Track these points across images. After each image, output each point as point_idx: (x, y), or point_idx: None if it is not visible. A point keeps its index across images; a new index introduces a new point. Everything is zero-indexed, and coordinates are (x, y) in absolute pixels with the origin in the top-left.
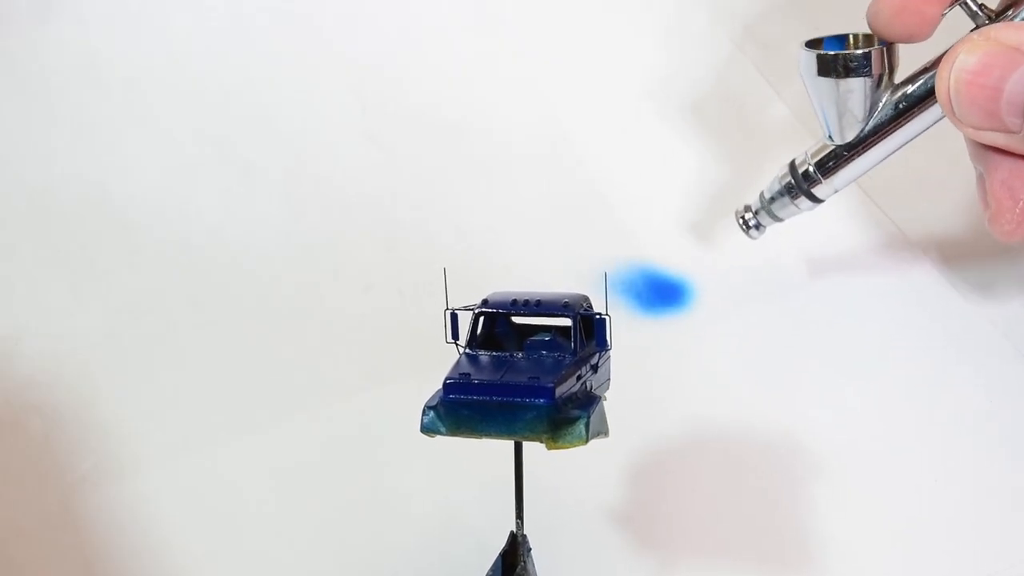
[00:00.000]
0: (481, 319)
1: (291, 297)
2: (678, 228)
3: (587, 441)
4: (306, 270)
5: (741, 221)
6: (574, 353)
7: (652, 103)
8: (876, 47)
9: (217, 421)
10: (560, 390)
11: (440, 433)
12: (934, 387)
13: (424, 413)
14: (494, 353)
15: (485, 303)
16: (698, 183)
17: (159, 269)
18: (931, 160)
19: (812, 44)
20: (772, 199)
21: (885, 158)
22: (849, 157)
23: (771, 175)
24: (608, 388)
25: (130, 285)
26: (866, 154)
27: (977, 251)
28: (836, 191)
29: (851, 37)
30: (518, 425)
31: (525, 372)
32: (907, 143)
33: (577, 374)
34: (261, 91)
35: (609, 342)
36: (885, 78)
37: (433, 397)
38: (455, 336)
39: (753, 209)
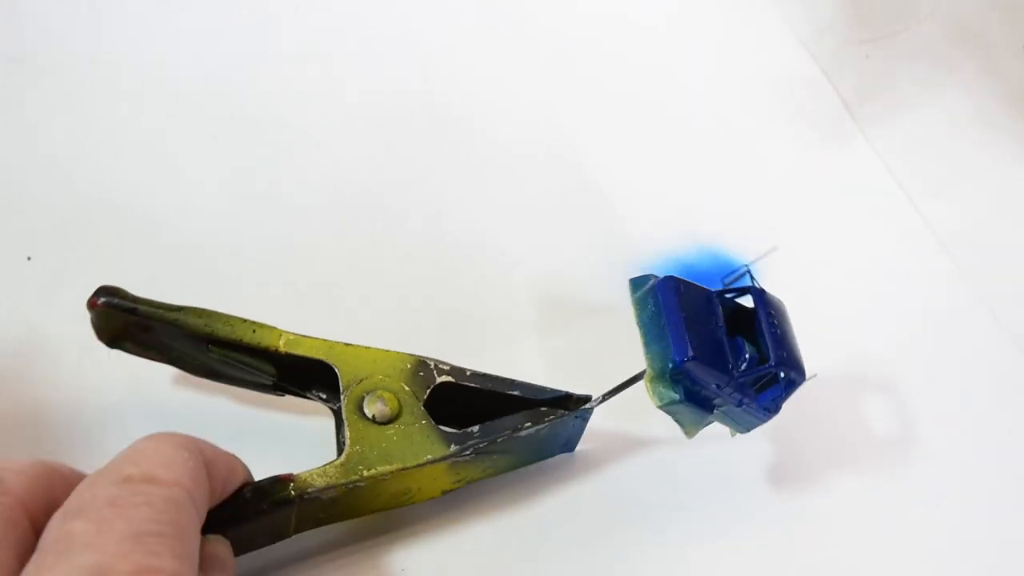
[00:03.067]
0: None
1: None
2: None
3: (660, 405)
4: (305, 275)
5: None
6: (744, 374)
7: (659, 102)
8: None
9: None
10: (695, 367)
11: (632, 294)
12: (952, 400)
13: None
14: (720, 324)
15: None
16: (706, 186)
17: (162, 268)
18: (966, 162)
19: None
20: None
21: None
22: None
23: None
24: (735, 434)
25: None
26: None
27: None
28: None
29: None
30: (655, 347)
31: (710, 340)
32: None
33: (720, 383)
34: (271, 93)
35: (772, 408)
36: None
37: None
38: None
39: None
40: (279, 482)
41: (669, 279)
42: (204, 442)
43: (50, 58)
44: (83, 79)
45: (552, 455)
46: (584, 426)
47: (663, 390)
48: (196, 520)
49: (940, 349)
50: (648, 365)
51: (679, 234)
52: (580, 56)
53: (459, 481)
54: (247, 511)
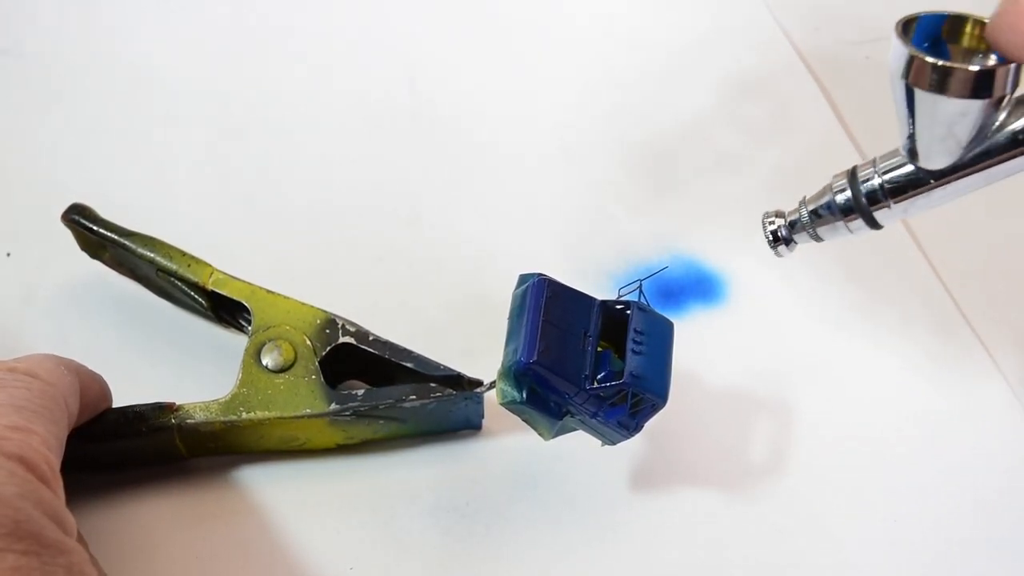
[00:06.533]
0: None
1: None
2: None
3: (502, 403)
4: (286, 276)
5: (770, 232)
6: (596, 387)
7: (645, 104)
8: (1004, 65)
9: None
10: (540, 371)
11: (515, 289)
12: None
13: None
14: (591, 334)
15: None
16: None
17: None
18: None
19: (909, 28)
20: (818, 214)
21: (980, 188)
22: (934, 185)
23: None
24: (604, 445)
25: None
26: (957, 183)
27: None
28: (905, 217)
29: (964, 24)
30: (510, 345)
31: (566, 347)
32: (1015, 173)
33: (569, 392)
34: (257, 94)
35: (629, 426)
36: (1007, 99)
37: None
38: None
39: (788, 220)
40: (161, 409)
41: (544, 281)
42: (81, 365)
43: (34, 50)
44: (68, 73)
45: (454, 429)
46: (480, 408)
47: (506, 388)
48: (65, 421)
49: None
50: (501, 362)
51: (659, 244)
52: (566, 58)
53: (351, 438)
54: (127, 431)
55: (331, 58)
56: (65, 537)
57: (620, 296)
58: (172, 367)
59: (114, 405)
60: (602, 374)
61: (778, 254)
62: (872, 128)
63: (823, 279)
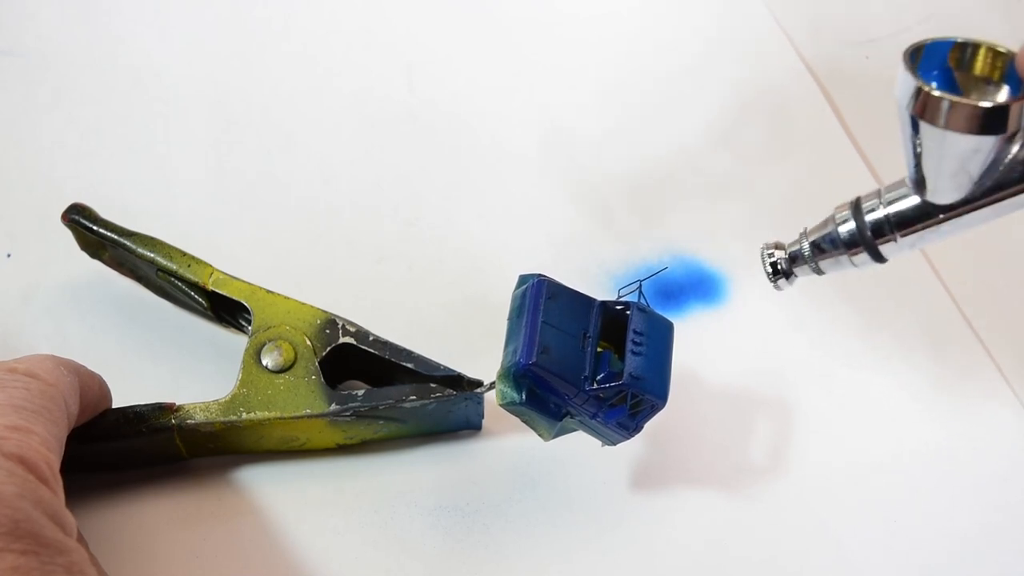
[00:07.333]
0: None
1: None
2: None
3: (501, 404)
4: (283, 276)
5: (769, 265)
6: (595, 388)
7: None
8: (1019, 99)
9: None
10: (539, 373)
11: (514, 289)
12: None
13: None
14: (591, 335)
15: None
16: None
17: None
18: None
19: (917, 56)
20: (820, 247)
21: (991, 220)
22: (943, 218)
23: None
24: (604, 445)
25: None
26: (967, 216)
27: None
28: (912, 250)
29: (976, 52)
30: (509, 346)
31: (566, 348)
32: None
33: (569, 393)
34: (257, 94)
35: (629, 426)
36: (1021, 132)
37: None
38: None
39: (788, 252)
40: (161, 409)
41: (544, 281)
42: (81, 365)
43: (34, 50)
44: (68, 73)
45: (454, 429)
46: (480, 408)
47: (505, 390)
48: (65, 421)
49: None
50: (501, 362)
51: (659, 245)
52: (567, 59)
53: (351, 438)
54: (127, 431)
55: (331, 58)
56: (65, 537)
57: (620, 296)
58: (172, 367)
59: (114, 405)
60: (602, 375)
61: (777, 287)
62: (874, 130)
63: (824, 279)
